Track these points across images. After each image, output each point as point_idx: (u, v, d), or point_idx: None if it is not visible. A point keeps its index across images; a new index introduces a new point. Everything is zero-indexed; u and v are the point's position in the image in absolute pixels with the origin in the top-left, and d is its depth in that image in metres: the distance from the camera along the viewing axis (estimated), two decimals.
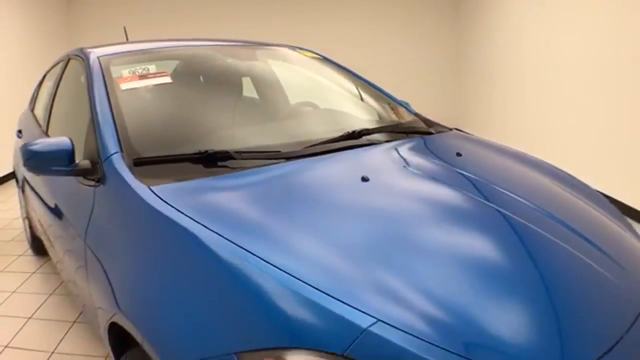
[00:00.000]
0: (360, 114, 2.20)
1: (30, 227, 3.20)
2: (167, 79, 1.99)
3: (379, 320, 0.92)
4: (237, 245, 1.09)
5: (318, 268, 1.04)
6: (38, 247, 3.30)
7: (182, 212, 1.21)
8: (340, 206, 1.31)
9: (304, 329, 0.94)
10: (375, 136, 1.82)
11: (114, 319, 1.27)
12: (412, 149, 1.77)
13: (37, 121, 2.81)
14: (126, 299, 1.24)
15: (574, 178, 1.81)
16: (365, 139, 1.77)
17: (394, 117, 2.23)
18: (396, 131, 1.94)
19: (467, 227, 1.29)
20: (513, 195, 1.43)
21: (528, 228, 1.28)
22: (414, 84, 7.04)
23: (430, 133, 2.01)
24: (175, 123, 1.88)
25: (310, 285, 0.99)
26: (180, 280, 1.12)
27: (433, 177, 1.52)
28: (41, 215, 2.40)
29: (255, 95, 2.48)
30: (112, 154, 1.48)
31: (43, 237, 2.62)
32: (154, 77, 1.97)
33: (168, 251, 1.19)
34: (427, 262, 1.12)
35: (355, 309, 0.94)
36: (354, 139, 1.74)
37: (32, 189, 2.56)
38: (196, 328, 1.03)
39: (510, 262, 1.18)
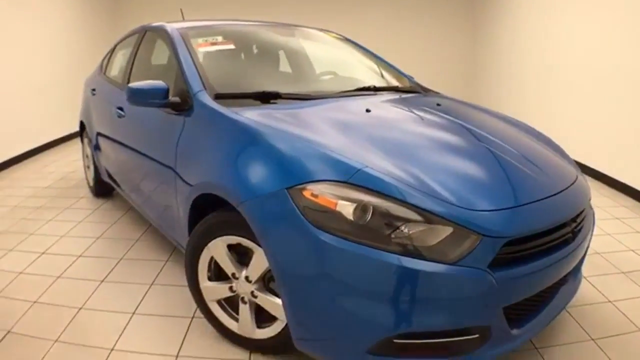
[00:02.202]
0: (372, 80, 2.87)
1: (97, 173, 4.10)
2: (232, 46, 2.84)
3: (368, 167, 1.55)
4: (286, 132, 1.77)
5: (333, 141, 1.70)
6: (101, 190, 4.23)
7: (253, 120, 1.89)
8: (349, 122, 1.99)
9: (322, 170, 1.54)
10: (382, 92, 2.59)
11: (201, 191, 1.94)
12: (404, 99, 2.55)
13: (111, 80, 3.66)
14: (216, 173, 1.87)
15: (528, 125, 2.48)
16: (371, 92, 2.55)
17: (397, 84, 3.04)
18: (396, 90, 2.79)
19: (438, 131, 2.02)
20: (472, 125, 2.13)
21: (479, 133, 2.03)
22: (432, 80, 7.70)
23: (420, 93, 2.86)
24: (238, 73, 2.70)
25: (328, 149, 1.63)
26: (250, 155, 1.76)
27: (415, 112, 2.25)
28: (120, 156, 3.25)
29: (288, 64, 3.33)
30: (198, 91, 2.18)
31: (117, 176, 3.50)
32: (222, 44, 2.76)
33: (242, 139, 1.84)
34: (411, 145, 1.82)
35: (355, 160, 1.57)
36: (363, 91, 2.54)
37: (109, 138, 3.44)
38: (260, 175, 1.67)
39: (469, 145, 1.92)
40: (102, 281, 2.83)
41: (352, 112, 2.14)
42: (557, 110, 5.40)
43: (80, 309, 2.48)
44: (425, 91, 2.99)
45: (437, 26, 8.22)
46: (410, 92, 2.83)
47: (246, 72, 2.78)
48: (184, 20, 3.43)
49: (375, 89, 2.60)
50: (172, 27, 2.78)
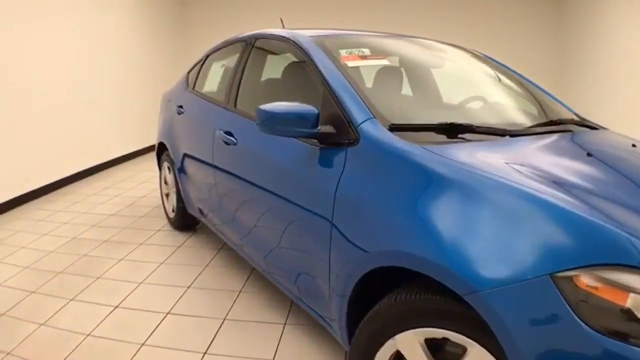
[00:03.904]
0: (533, 108, 2.32)
1: (180, 203, 3.27)
2: (385, 62, 2.21)
3: None
4: (529, 187, 1.27)
5: (595, 202, 1.25)
6: (183, 223, 3.35)
7: (468, 165, 1.38)
8: (582, 172, 1.50)
9: (601, 247, 1.10)
10: (568, 125, 2.04)
11: (384, 263, 1.42)
12: (600, 137, 2.00)
13: (206, 97, 2.94)
14: (415, 241, 1.34)
15: None
16: (561, 126, 1.98)
17: (559, 112, 2.32)
18: (580, 124, 2.16)
19: None
20: None
21: None
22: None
23: (597, 128, 2.24)
24: (405, 97, 2.24)
25: (598, 213, 1.18)
26: (479, 219, 1.25)
27: (627, 156, 1.78)
28: (224, 189, 2.52)
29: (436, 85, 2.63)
30: (365, 120, 1.66)
31: (213, 210, 2.72)
32: (373, 58, 2.17)
33: (460, 194, 1.32)
34: None
35: None
36: (554, 126, 1.97)
37: (207, 165, 2.67)
38: (503, 253, 1.17)
39: None
40: (206, 353, 1.99)
41: (574, 157, 1.65)
42: None
43: None
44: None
45: (521, 31, 7.65)
46: (584, 125, 2.21)
47: (412, 96, 2.34)
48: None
49: (559, 123, 2.05)
50: (301, 35, 2.26)
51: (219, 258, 2.97)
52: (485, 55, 2.66)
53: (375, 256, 1.46)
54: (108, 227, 3.53)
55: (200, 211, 2.96)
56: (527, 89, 2.42)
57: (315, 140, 1.79)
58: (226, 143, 2.39)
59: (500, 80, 2.47)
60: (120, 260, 2.94)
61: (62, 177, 4.70)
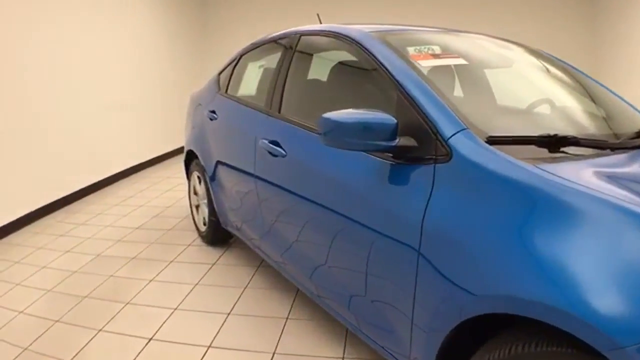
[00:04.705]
0: (616, 111, 1.99)
1: (213, 217, 3.01)
2: (462, 61, 1.89)
3: None
4: None
5: None
6: (215, 238, 3.10)
7: (597, 191, 1.11)
8: None
9: None
10: None
11: (495, 309, 1.17)
12: None
13: (243, 102, 2.65)
14: (539, 280, 1.09)
15: None
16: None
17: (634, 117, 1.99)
18: None
19: None
20: None
21: None
22: None
23: None
24: (495, 104, 1.92)
25: None
26: (621, 257, 1.01)
27: None
28: (269, 203, 2.23)
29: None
30: (457, 132, 1.39)
31: (248, 227, 2.50)
32: (447, 57, 1.87)
33: (606, 230, 1.05)
34: None
35: None
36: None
37: (247, 175, 2.39)
38: None
39: None
40: None
41: None
42: None
43: None
44: None
45: (554, 17, 7.24)
46: None
47: (498, 101, 1.99)
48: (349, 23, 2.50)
49: None
50: (357, 30, 1.97)
51: (258, 278, 2.69)
52: (545, 53, 2.32)
53: (484, 301, 1.20)
54: (134, 242, 3.27)
55: (236, 225, 2.69)
56: (595, 91, 2.09)
57: (389, 154, 1.53)
58: (272, 154, 2.11)
59: (568, 81, 2.14)
60: (150, 281, 2.67)
61: (82, 187, 4.46)
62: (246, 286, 2.59)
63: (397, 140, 1.44)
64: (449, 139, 1.38)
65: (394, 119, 1.43)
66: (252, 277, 2.70)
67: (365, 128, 1.42)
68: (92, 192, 4.63)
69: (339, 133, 1.45)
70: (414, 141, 1.46)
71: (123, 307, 2.39)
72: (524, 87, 2.15)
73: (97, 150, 4.72)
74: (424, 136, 1.44)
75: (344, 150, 1.69)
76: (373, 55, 1.75)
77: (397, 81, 1.60)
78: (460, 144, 1.36)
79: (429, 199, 1.38)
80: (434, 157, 1.40)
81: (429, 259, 1.35)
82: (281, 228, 2.14)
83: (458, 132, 1.38)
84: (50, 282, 2.69)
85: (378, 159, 1.58)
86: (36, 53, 3.82)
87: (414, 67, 1.65)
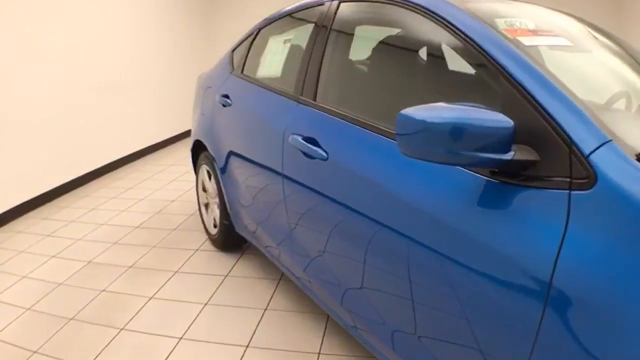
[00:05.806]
0: None
1: (226, 220, 2.54)
2: (565, 42, 1.41)
3: None
4: None
5: None
6: (228, 242, 2.65)
7: None
8: None
9: None
10: None
11: None
12: None
13: (266, 86, 2.15)
14: None
15: None
16: None
17: None
18: None
19: None
20: None
21: None
22: None
23: None
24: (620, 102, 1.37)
25: None
26: None
27: None
28: (308, 212, 1.72)
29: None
30: (601, 145, 0.98)
31: (270, 238, 2.04)
32: (548, 35, 1.39)
33: None
34: None
35: None
36: None
37: (276, 174, 1.89)
38: None
39: None
40: None
41: None
42: None
43: None
44: None
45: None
46: None
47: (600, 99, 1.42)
48: None
49: None
50: None
51: (279, 296, 2.23)
52: (605, 31, 1.80)
53: None
54: (133, 246, 2.81)
55: (251, 231, 2.23)
56: None
57: (494, 169, 1.07)
58: (308, 155, 1.63)
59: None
60: (150, 299, 2.22)
61: (76, 177, 3.99)
62: (266, 307, 2.13)
63: (512, 153, 1.00)
64: (590, 154, 0.96)
65: (510, 121, 1.00)
66: (273, 294, 2.24)
67: (469, 133, 0.98)
68: (84, 183, 4.15)
69: (428, 138, 1.00)
70: (535, 154, 1.03)
71: (117, 334, 1.94)
72: (597, 74, 1.64)
73: (90, 135, 4.24)
74: (548, 147, 1.02)
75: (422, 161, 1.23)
76: (458, 28, 1.28)
77: (500, 66, 1.14)
78: (606, 163, 0.95)
79: (562, 241, 0.95)
80: (568, 179, 0.97)
81: (572, 328, 0.91)
82: (318, 245, 1.67)
83: (602, 145, 0.97)
84: (30, 298, 2.24)
85: (464, 171, 1.14)
86: (13, 27, 3.32)
87: (521, 48, 1.18)
